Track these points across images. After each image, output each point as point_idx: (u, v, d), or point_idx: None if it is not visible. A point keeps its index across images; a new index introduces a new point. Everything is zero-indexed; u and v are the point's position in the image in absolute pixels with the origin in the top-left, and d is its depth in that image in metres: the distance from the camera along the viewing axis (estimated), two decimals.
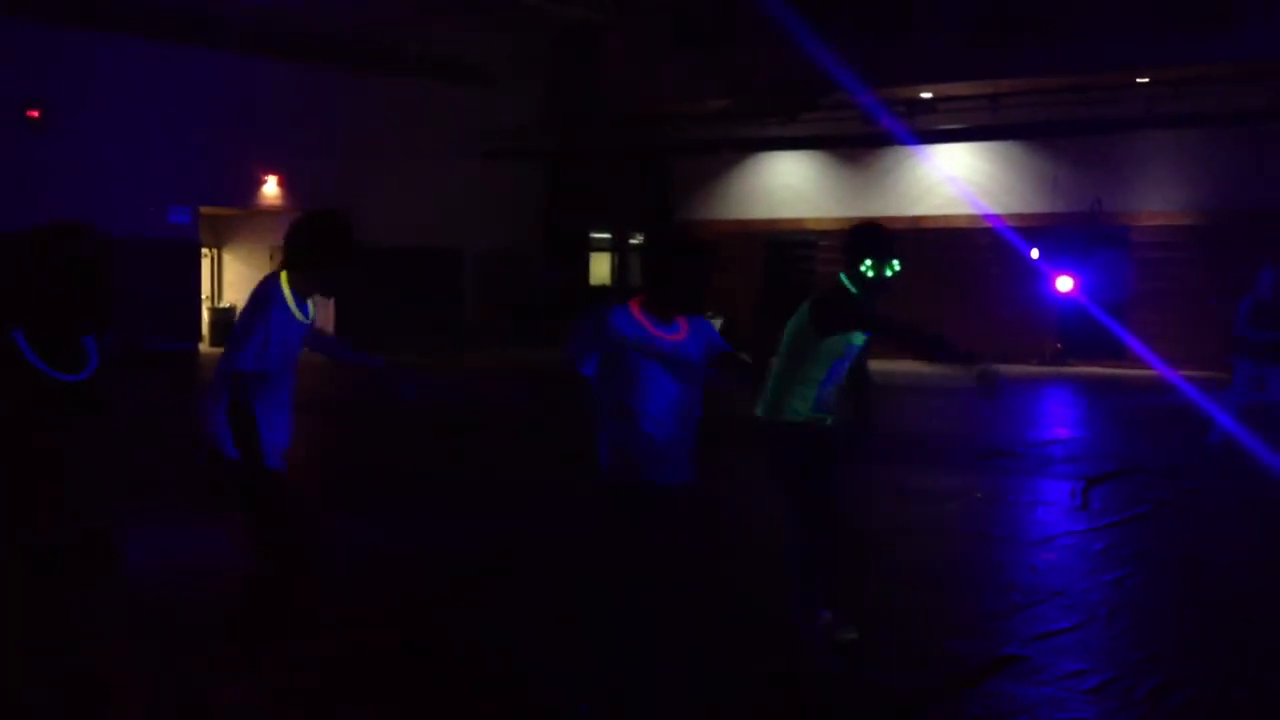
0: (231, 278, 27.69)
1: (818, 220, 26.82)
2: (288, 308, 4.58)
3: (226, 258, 27.76)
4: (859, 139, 24.96)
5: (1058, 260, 22.68)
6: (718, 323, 27.06)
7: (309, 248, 4.66)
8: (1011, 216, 23.34)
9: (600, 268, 29.96)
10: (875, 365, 5.91)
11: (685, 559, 4.24)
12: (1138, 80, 21.67)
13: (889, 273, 5.20)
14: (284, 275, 4.67)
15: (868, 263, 5.18)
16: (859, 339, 5.24)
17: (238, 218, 26.85)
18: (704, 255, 4.41)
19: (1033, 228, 23.24)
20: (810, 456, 5.19)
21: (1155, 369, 20.66)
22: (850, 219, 26.00)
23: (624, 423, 4.15)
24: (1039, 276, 22.95)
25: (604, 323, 4.16)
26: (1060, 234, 23.22)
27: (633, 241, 29.74)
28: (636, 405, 4.13)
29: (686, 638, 4.22)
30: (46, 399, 3.08)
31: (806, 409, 5.20)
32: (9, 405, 3.02)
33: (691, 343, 4.31)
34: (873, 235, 5.30)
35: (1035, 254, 22.93)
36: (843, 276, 5.30)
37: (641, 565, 4.16)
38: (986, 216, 23.30)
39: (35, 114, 21.99)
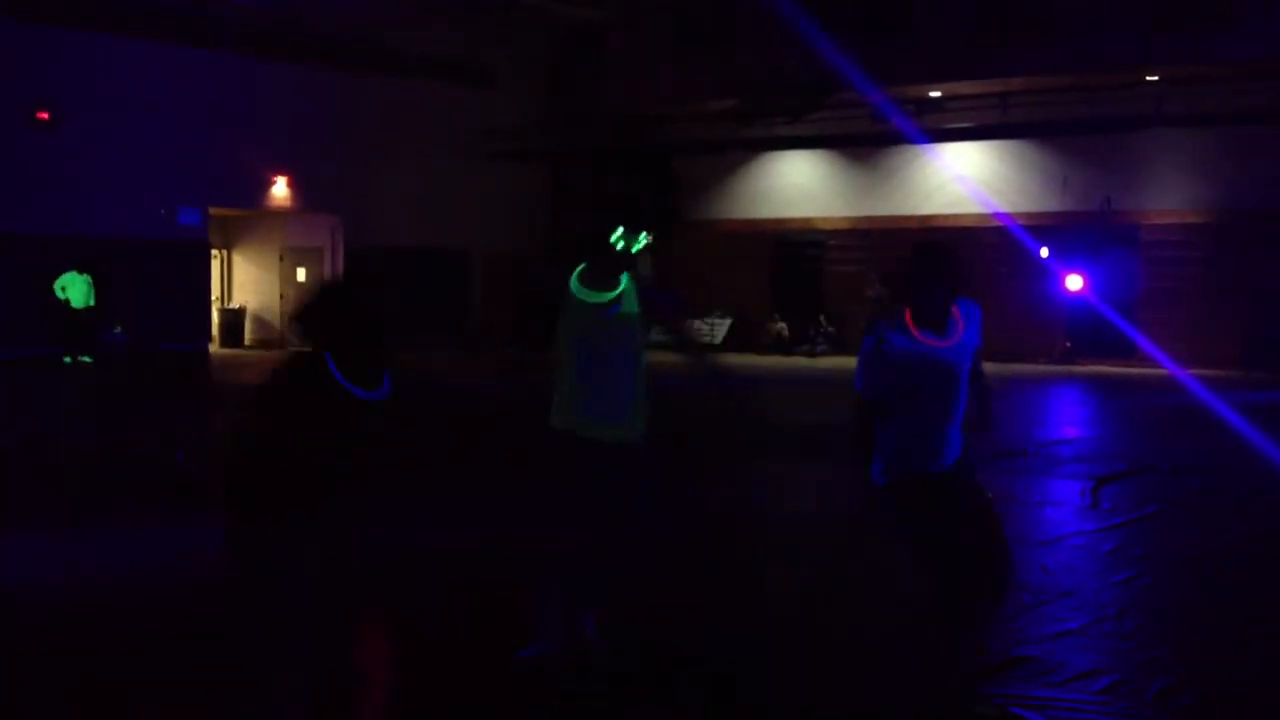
0: (241, 278, 27.74)
1: (826, 219, 26.80)
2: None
3: (236, 258, 27.82)
4: (867, 138, 24.94)
5: (1067, 259, 22.65)
6: (726, 323, 27.10)
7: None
8: (1021, 215, 23.31)
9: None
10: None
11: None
12: (1147, 79, 21.62)
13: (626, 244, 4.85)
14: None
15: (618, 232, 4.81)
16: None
17: (247, 218, 26.91)
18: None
19: (1042, 226, 23.21)
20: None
21: (1165, 368, 20.63)
22: (859, 218, 26.15)
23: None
24: (1049, 275, 22.92)
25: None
26: (1070, 233, 23.20)
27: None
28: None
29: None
30: (349, 413, 3.78)
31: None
32: (319, 415, 3.70)
33: None
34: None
35: (1045, 253, 22.90)
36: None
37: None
38: (996, 215, 23.27)
39: (45, 116, 22.06)
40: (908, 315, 4.35)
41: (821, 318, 26.00)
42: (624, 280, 4.82)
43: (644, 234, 4.76)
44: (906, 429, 4.41)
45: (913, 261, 4.35)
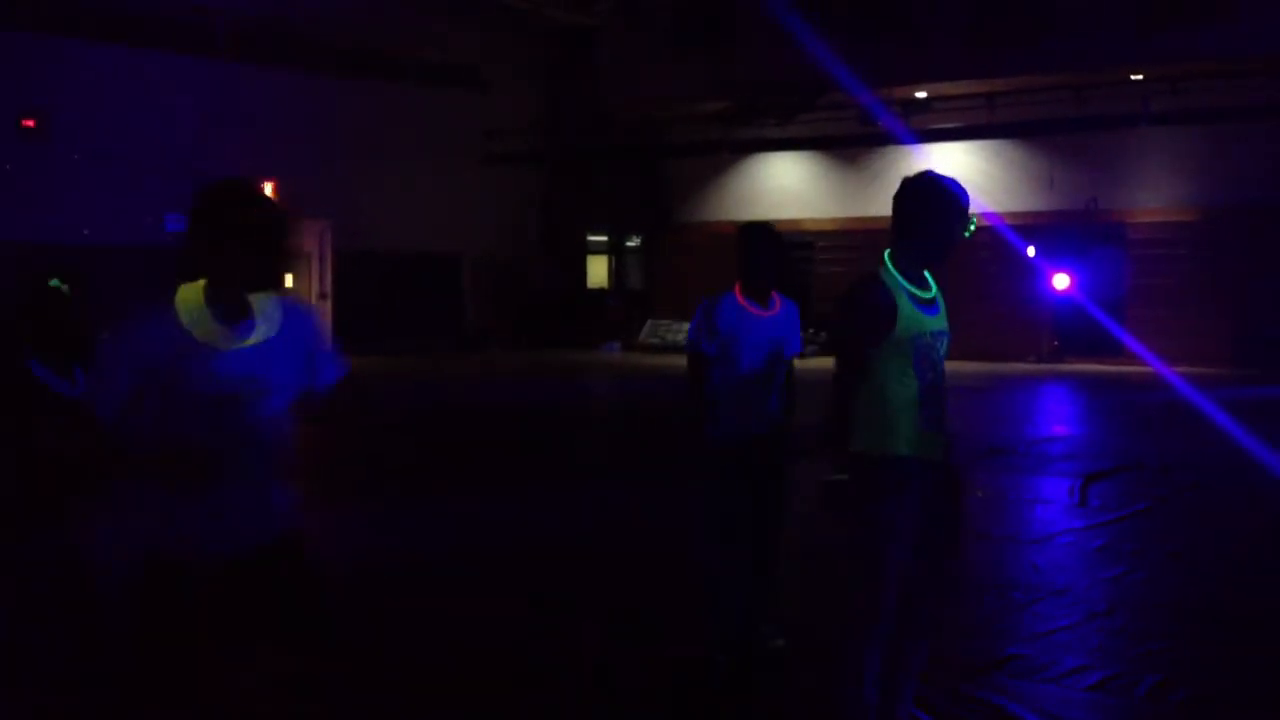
0: None
1: (815, 221, 26.84)
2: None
3: None
4: (856, 139, 24.99)
5: (1054, 258, 22.72)
6: None
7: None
8: (1008, 215, 23.38)
9: (598, 270, 29.98)
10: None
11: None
12: (1132, 77, 21.70)
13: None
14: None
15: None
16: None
17: None
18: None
19: (1029, 226, 23.28)
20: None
21: (1152, 366, 20.69)
22: (847, 219, 26.20)
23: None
24: (1036, 274, 22.99)
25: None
26: (1057, 232, 23.27)
27: (630, 244, 29.78)
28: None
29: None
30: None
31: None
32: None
33: None
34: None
35: (1031, 252, 22.97)
36: None
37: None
38: (983, 215, 23.34)
39: (31, 123, 22.00)
40: (737, 288, 5.06)
41: (810, 330, 26.02)
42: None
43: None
44: (731, 389, 5.00)
45: (741, 236, 5.06)
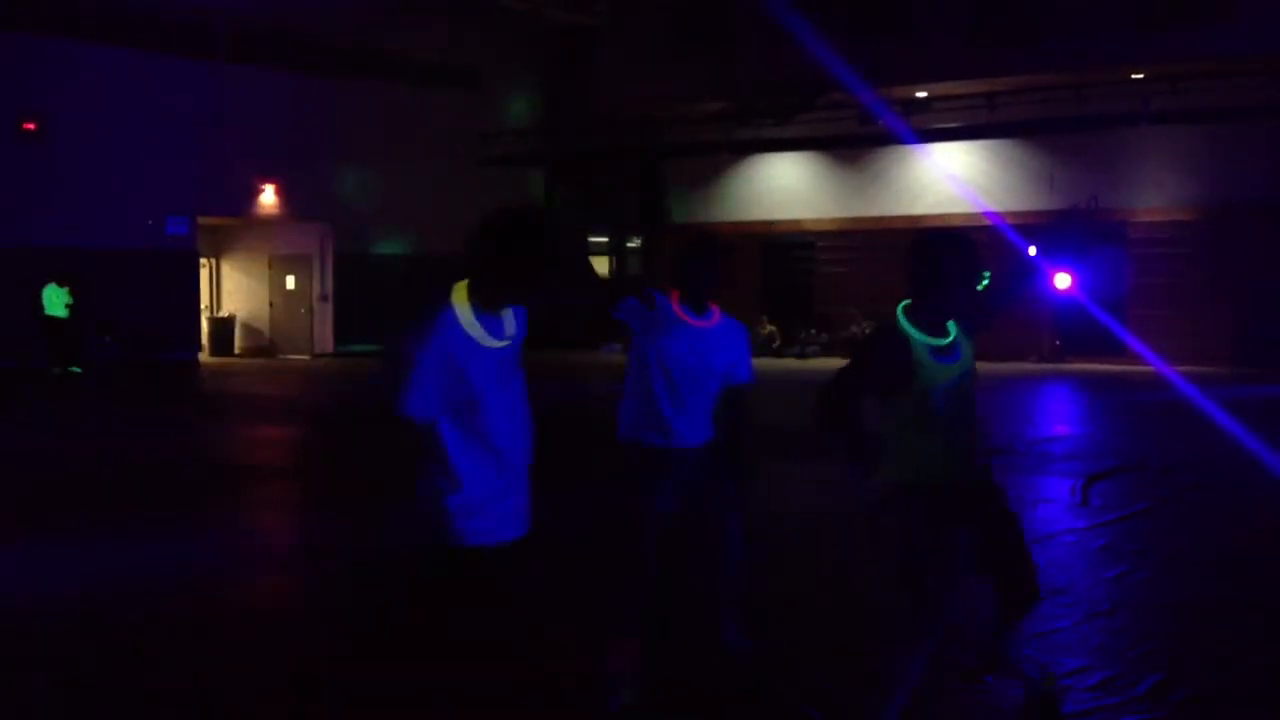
0: (230, 287, 27.71)
1: (815, 221, 26.83)
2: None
3: (225, 267, 27.79)
4: (856, 139, 24.99)
5: (1055, 257, 22.69)
6: None
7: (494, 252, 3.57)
8: (1009, 214, 23.35)
9: (599, 271, 30.00)
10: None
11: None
12: (1132, 77, 21.70)
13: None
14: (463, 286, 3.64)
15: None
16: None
17: (235, 227, 26.87)
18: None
19: (1030, 225, 23.26)
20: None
21: (1153, 365, 20.69)
22: (848, 219, 26.19)
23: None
24: (1037, 273, 22.96)
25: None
26: (1057, 230, 23.23)
27: (630, 245, 29.78)
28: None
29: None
30: None
31: None
32: None
33: None
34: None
35: (1033, 251, 22.93)
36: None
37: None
38: (984, 214, 23.33)
39: (32, 126, 22.02)
40: (675, 296, 4.66)
41: (812, 330, 26.04)
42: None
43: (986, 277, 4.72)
44: (656, 397, 4.56)
45: (689, 249, 4.69)
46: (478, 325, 3.47)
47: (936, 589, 4.09)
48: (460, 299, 3.51)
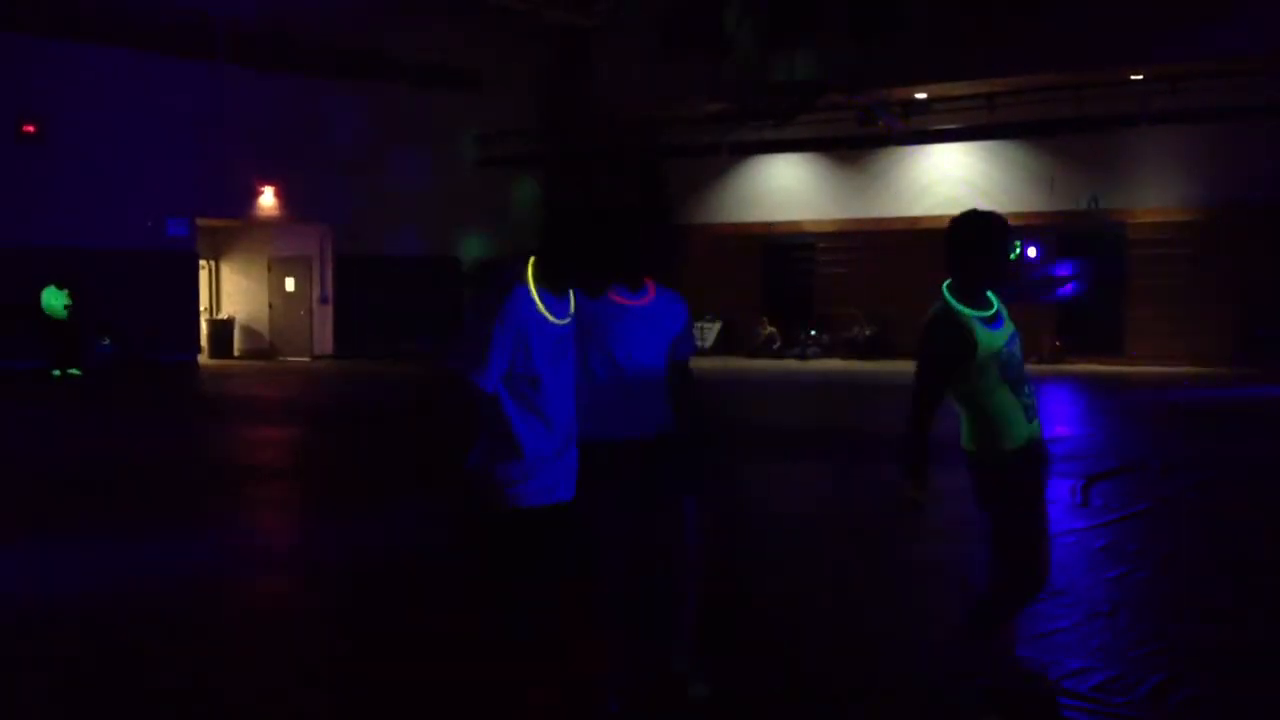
0: (229, 288, 27.72)
1: (815, 222, 26.83)
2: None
3: (224, 269, 27.80)
4: (856, 140, 24.98)
5: (1056, 258, 22.72)
6: (716, 326, 27.12)
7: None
8: (1009, 215, 23.32)
9: None
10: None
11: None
12: (1132, 77, 21.70)
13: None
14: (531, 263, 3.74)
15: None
16: None
17: (235, 228, 26.88)
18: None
19: (1030, 226, 23.27)
20: None
21: (1154, 365, 20.69)
22: (847, 220, 26.19)
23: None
24: (1037, 275, 22.97)
25: None
26: (1058, 232, 23.26)
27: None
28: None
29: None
30: None
31: None
32: None
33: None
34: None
35: (1032, 253, 22.97)
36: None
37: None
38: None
39: (32, 129, 22.02)
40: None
41: (812, 331, 26.05)
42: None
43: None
44: (600, 386, 4.29)
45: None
46: (542, 303, 3.60)
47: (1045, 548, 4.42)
48: (529, 277, 3.62)
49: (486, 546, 3.69)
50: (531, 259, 3.66)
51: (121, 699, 4.89)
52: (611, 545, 4.36)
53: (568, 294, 3.71)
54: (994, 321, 4.37)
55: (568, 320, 3.68)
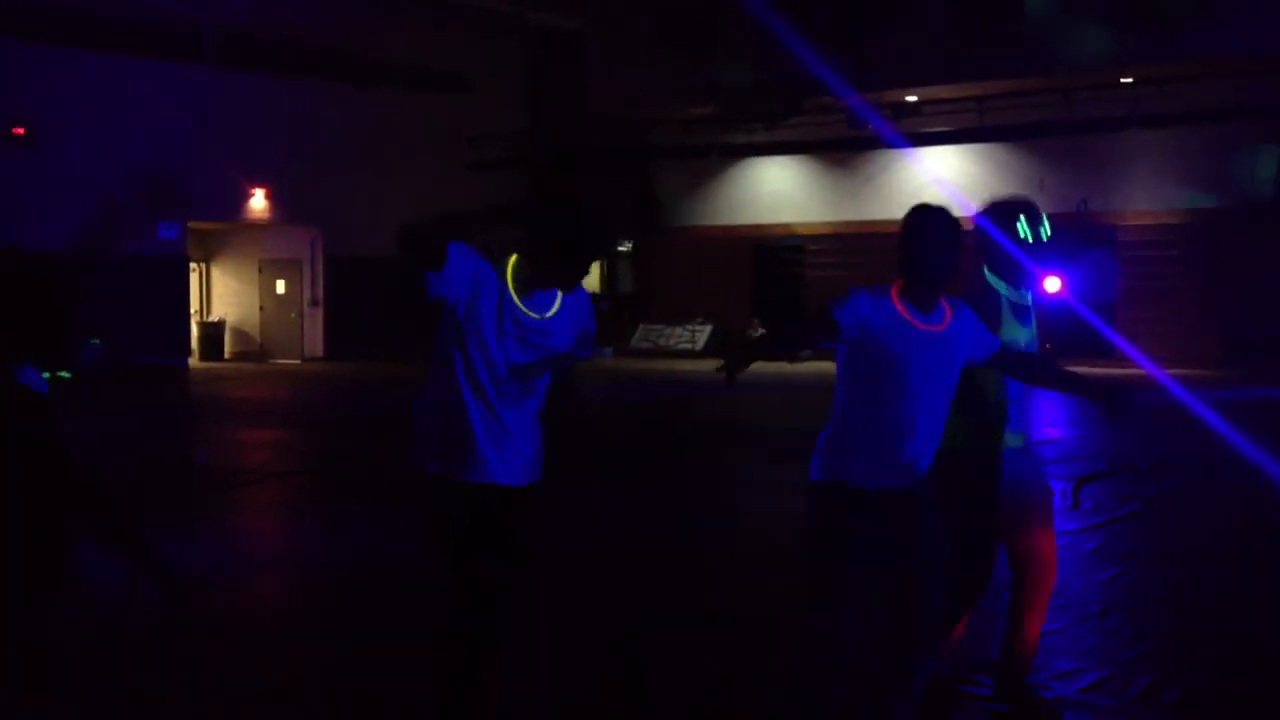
0: (220, 291, 27.66)
1: (806, 225, 26.86)
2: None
3: (215, 271, 27.73)
4: (845, 143, 25.02)
5: (1045, 261, 22.76)
6: (707, 329, 27.14)
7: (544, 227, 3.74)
8: None
9: (589, 275, 29.97)
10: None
11: None
12: (1121, 80, 21.76)
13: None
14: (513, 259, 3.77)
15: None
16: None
17: (226, 231, 26.83)
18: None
19: None
20: None
21: (1143, 368, 20.71)
22: (837, 223, 26.22)
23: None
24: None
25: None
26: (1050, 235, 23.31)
27: (620, 249, 29.77)
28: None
29: None
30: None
31: None
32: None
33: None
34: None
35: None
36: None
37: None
38: (973, 218, 23.39)
39: (21, 131, 21.95)
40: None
41: None
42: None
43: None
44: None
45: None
46: (511, 286, 3.70)
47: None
48: (511, 265, 3.73)
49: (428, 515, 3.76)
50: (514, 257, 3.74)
51: (115, 700, 4.88)
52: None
53: (554, 293, 3.78)
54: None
55: (537, 316, 3.73)
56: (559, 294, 3.82)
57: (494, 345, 3.67)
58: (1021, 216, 4.53)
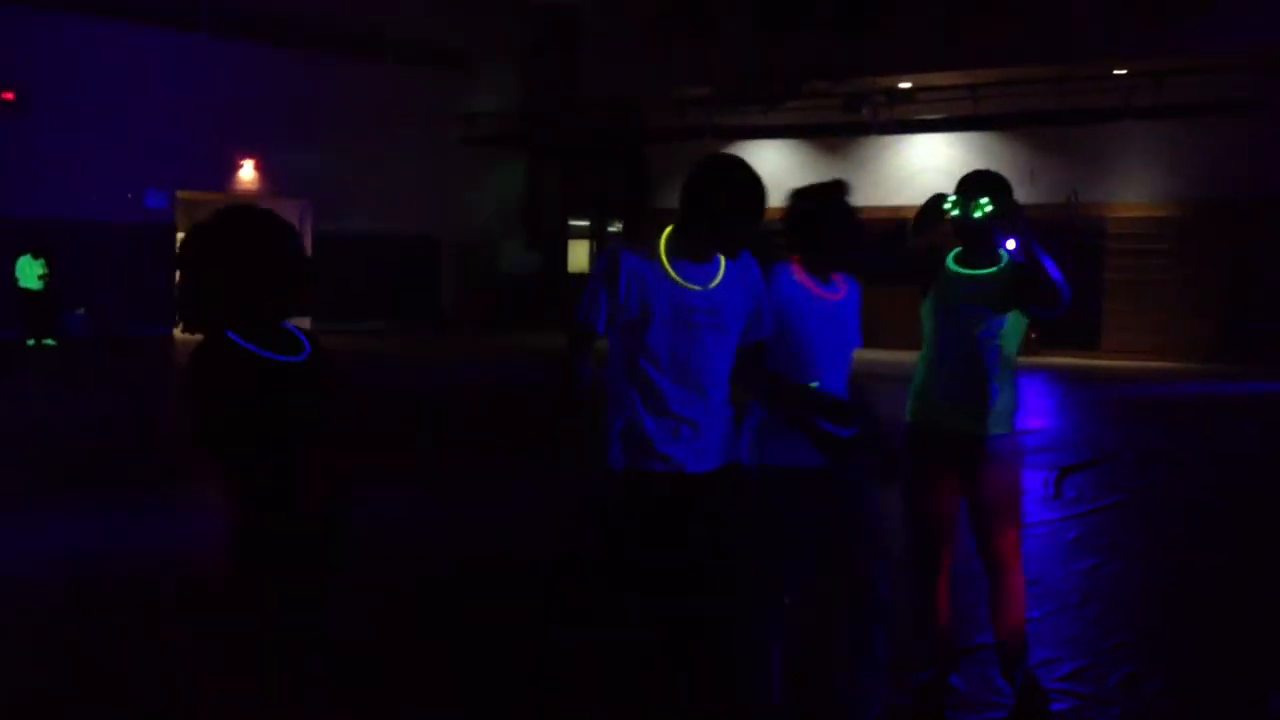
0: None
1: None
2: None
3: None
4: (839, 128, 24.98)
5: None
6: None
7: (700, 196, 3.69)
8: None
9: (579, 255, 29.95)
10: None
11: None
12: (1115, 71, 21.76)
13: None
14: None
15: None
16: None
17: (215, 202, 26.68)
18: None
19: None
20: None
21: (1131, 359, 20.80)
22: None
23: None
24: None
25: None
26: (1036, 224, 23.32)
27: (612, 229, 29.73)
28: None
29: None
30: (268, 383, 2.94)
31: None
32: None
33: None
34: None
35: (1011, 245, 23.02)
36: None
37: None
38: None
39: (10, 96, 21.82)
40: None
41: None
42: None
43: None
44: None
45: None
46: (669, 264, 3.54)
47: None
48: (664, 239, 3.61)
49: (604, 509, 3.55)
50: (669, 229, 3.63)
51: (104, 678, 4.87)
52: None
53: (715, 265, 3.63)
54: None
55: (699, 288, 3.55)
56: (721, 262, 3.66)
57: (664, 333, 3.50)
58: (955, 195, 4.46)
